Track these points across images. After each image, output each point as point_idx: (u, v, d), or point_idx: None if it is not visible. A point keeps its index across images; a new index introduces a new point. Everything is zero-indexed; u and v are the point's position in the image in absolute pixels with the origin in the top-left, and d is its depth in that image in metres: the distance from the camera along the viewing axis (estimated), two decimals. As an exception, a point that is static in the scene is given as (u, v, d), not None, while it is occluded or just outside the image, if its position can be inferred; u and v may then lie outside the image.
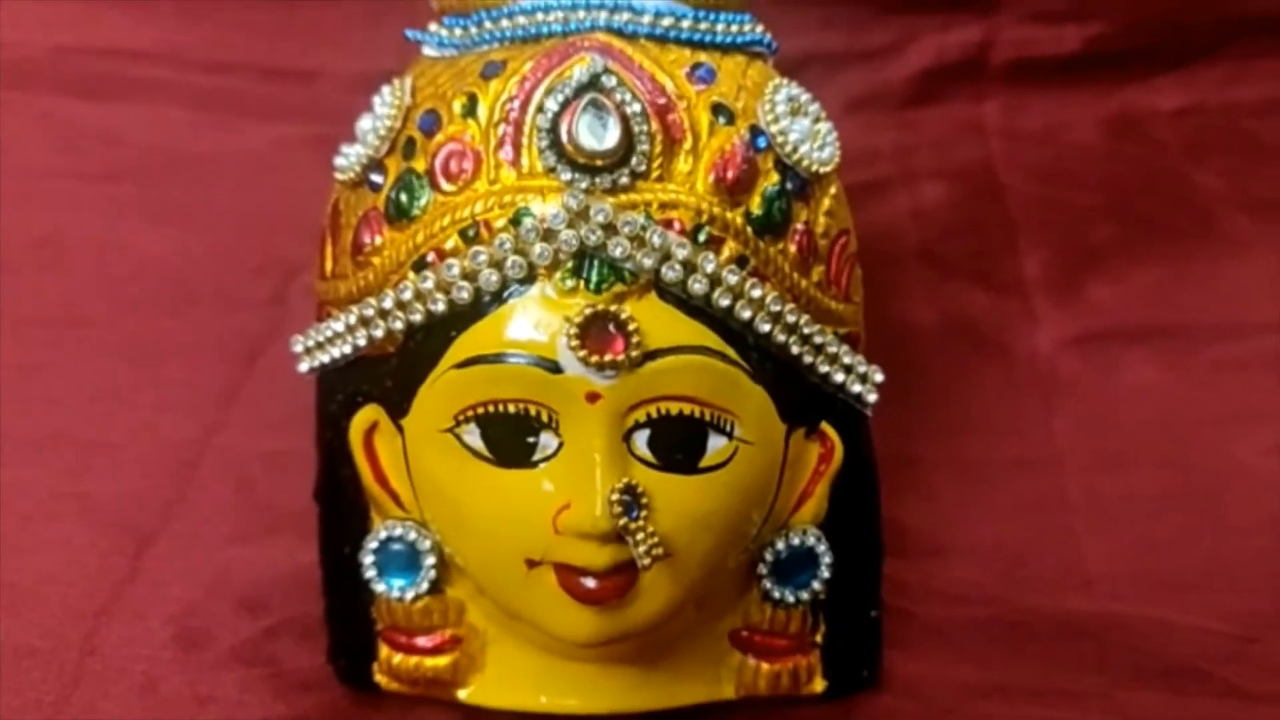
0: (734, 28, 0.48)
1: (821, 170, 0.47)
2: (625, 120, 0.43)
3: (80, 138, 0.88)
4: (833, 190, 0.49)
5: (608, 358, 0.43)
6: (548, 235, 0.43)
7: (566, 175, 0.44)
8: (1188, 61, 0.94)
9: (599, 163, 0.43)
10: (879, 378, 0.49)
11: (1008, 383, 0.72)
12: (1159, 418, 0.70)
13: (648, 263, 0.43)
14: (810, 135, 0.47)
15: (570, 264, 0.43)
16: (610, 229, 0.43)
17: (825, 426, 0.49)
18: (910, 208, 0.86)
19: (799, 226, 0.47)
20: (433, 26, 0.49)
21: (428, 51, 0.49)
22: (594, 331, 0.43)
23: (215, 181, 0.86)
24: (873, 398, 0.49)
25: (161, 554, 0.61)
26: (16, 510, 0.62)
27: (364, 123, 0.48)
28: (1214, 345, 0.75)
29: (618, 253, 0.43)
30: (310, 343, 0.49)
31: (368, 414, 0.49)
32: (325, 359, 0.49)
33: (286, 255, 0.78)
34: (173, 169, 0.87)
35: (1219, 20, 0.92)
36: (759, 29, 0.49)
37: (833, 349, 0.48)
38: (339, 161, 0.48)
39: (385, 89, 0.48)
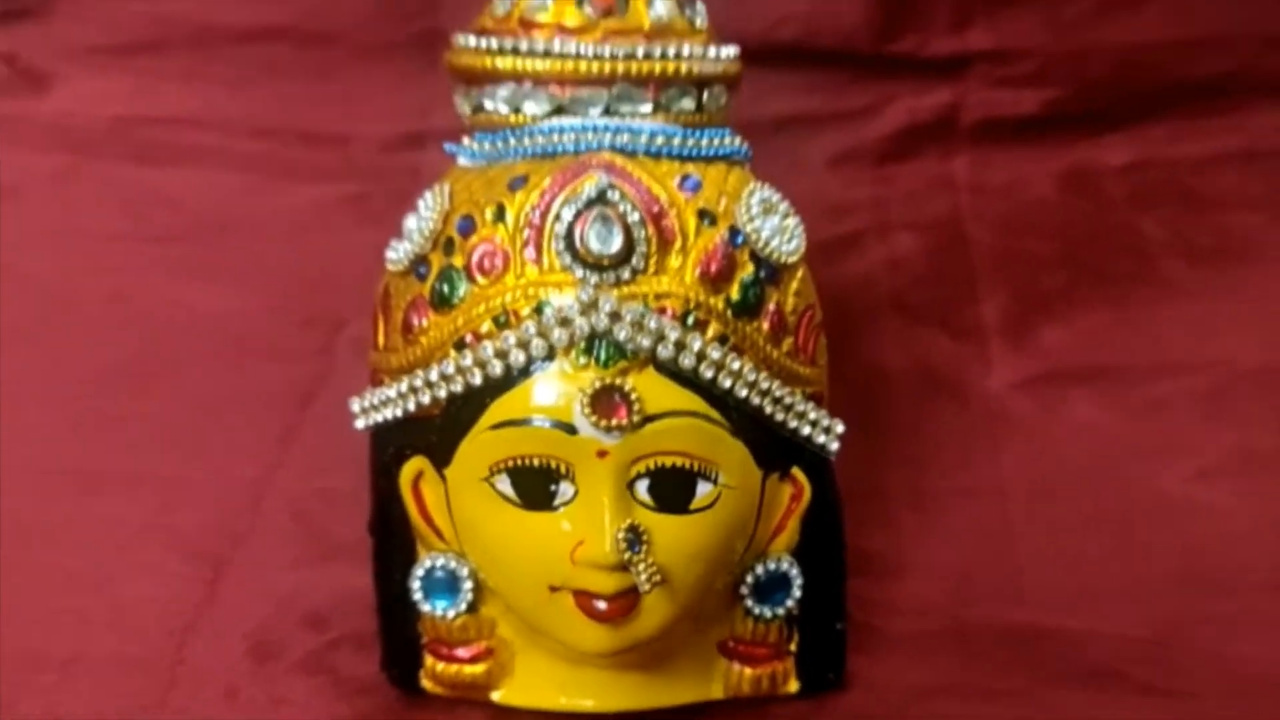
0: (715, 142, 0.54)
1: (789, 260, 0.53)
2: (627, 228, 0.49)
3: (139, 201, 0.91)
4: (800, 273, 0.54)
5: (614, 422, 0.49)
6: (564, 322, 0.49)
7: (579, 272, 0.49)
8: (1135, 121, 0.95)
9: (605, 262, 0.49)
10: (840, 429, 0.54)
11: (962, 421, 0.76)
12: (1094, 451, 0.74)
13: (646, 343, 0.49)
14: (780, 230, 0.53)
15: (583, 345, 0.49)
16: (615, 316, 0.49)
17: (795, 471, 0.54)
18: (884, 258, 0.88)
19: (771, 307, 0.52)
20: (465, 140, 0.55)
21: (462, 161, 0.55)
22: (602, 400, 0.49)
23: (262, 240, 0.89)
24: (835, 447, 0.54)
25: (236, 578, 0.65)
26: (112, 540, 0.67)
27: (410, 222, 0.53)
28: (1146, 385, 0.78)
29: (622, 336, 0.49)
30: (366, 404, 0.55)
31: (415, 464, 0.54)
32: (379, 418, 0.54)
33: (331, 308, 0.83)
34: (223, 229, 0.90)
35: (1162, 85, 0.94)
36: (736, 141, 0.55)
37: (800, 407, 0.53)
38: (390, 255, 0.54)
39: (428, 194, 0.53)
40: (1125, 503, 0.71)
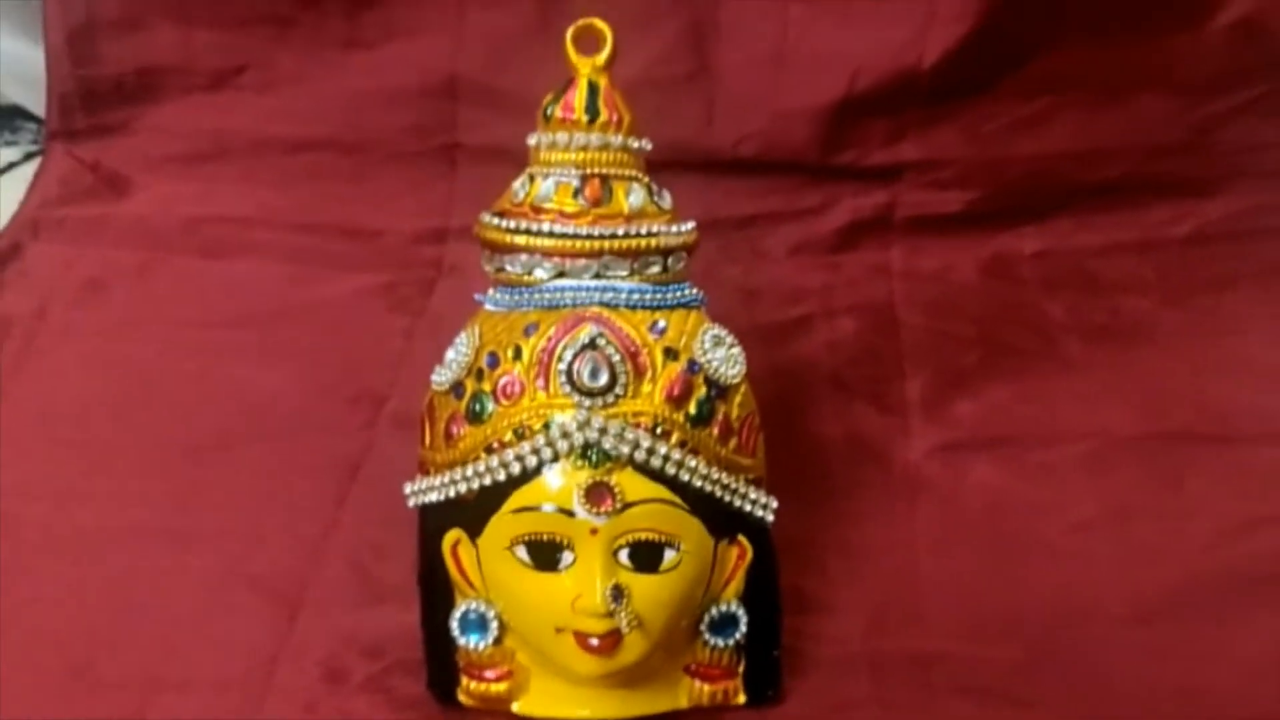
0: (678, 294, 0.67)
1: (733, 381, 0.66)
2: (611, 365, 0.63)
3: (206, 290, 1.02)
4: (742, 389, 0.67)
5: (602, 508, 0.61)
6: (565, 435, 0.62)
7: (576, 398, 0.62)
8: (1044, 216, 1.07)
9: (595, 390, 0.62)
10: (774, 505, 0.67)
11: (884, 483, 0.85)
12: (990, 507, 0.82)
13: (625, 450, 0.62)
14: (727, 359, 0.66)
15: (579, 451, 0.61)
16: (603, 431, 0.62)
17: (741, 537, 0.66)
18: (827, 339, 0.99)
19: (719, 417, 0.65)
20: (490, 292, 0.68)
21: (489, 307, 0.68)
22: (594, 493, 0.61)
23: (309, 324, 1.00)
24: (770, 518, 0.67)
25: (307, 617, 0.74)
26: (204, 586, 0.76)
27: (450, 353, 0.67)
28: (1038, 451, 0.88)
29: (608, 445, 0.62)
30: (416, 488, 0.67)
31: (454, 534, 0.65)
32: (426, 500, 0.67)
33: (372, 387, 0.93)
34: (277, 315, 1.00)
35: (1067, 186, 1.07)
36: (694, 291, 0.68)
37: (743, 490, 0.66)
38: (435, 378, 0.67)
39: (463, 333, 0.67)
40: (1013, 550, 0.80)
